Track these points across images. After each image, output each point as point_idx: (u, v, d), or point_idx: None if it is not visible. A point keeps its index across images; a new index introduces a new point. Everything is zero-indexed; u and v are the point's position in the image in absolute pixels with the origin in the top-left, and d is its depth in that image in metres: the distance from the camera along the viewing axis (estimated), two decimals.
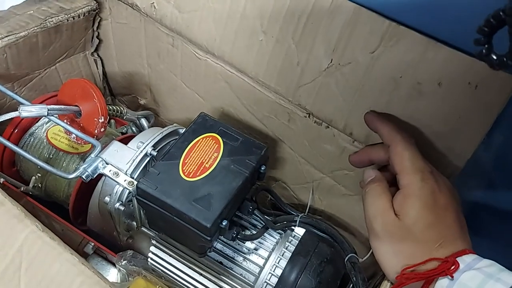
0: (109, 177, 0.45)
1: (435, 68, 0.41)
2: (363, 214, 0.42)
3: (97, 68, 0.70)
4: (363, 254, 0.46)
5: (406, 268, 0.37)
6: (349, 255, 0.47)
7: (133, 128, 0.61)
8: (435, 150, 0.43)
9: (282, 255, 0.46)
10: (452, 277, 0.34)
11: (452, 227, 0.38)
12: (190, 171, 0.43)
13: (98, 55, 0.69)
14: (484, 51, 0.29)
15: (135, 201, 0.45)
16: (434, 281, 0.35)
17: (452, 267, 0.34)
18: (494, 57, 0.29)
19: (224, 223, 0.40)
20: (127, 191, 0.46)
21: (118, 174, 0.45)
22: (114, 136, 0.57)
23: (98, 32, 0.66)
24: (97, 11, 0.62)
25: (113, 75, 0.71)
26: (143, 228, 0.49)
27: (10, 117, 0.51)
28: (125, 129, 0.61)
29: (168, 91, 0.65)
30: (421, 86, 0.42)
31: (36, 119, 0.57)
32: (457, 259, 0.35)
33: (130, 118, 0.59)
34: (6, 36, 0.54)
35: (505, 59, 0.28)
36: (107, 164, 0.46)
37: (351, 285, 0.46)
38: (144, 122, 0.59)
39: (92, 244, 0.54)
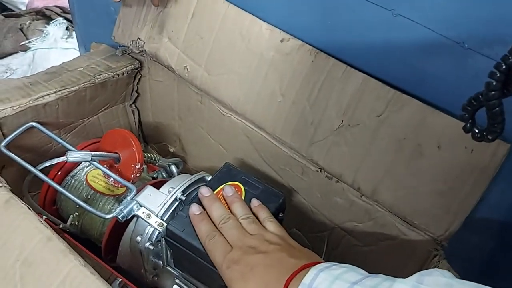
0: (142, 218, 0.50)
1: (435, 133, 0.46)
2: (373, 263, 0.45)
3: (134, 118, 0.77)
4: None
5: None
6: None
7: (164, 174, 0.66)
8: (434, 207, 0.47)
9: None
10: None
11: (269, 270, 0.40)
12: None
13: (135, 106, 0.77)
14: (468, 125, 0.34)
15: (163, 241, 0.50)
16: None
17: None
18: (476, 130, 0.34)
19: None
20: (157, 231, 0.50)
21: (150, 216, 0.50)
22: (146, 181, 0.62)
23: (138, 87, 0.74)
24: (138, 69, 0.71)
25: (148, 124, 0.79)
26: (168, 267, 0.53)
27: (58, 161, 0.58)
28: (156, 174, 0.66)
29: (195, 141, 0.72)
30: (422, 148, 0.47)
31: (78, 163, 0.63)
32: (293, 286, 0.37)
33: (161, 164, 0.65)
34: (60, 90, 0.62)
35: (484, 133, 0.33)
36: (140, 206, 0.51)
37: None
38: (173, 168, 0.65)
39: (119, 280, 0.58)
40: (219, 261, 0.42)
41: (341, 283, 0.35)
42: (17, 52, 1.41)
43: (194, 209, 0.47)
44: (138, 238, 0.51)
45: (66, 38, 1.43)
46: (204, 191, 0.49)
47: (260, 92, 0.57)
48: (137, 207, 0.51)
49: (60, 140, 0.59)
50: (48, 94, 0.60)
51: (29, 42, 1.43)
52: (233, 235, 0.44)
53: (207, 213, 0.48)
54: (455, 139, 0.45)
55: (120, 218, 0.50)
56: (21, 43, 1.41)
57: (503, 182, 0.45)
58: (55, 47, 1.40)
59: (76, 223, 0.61)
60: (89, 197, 0.61)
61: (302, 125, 0.54)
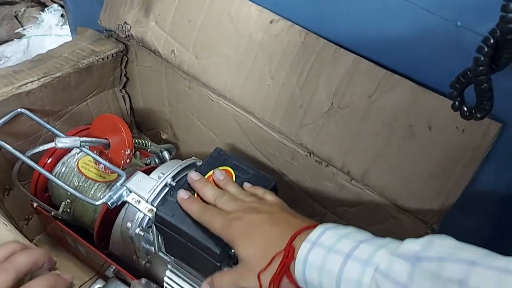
0: (131, 204, 0.50)
1: (426, 113, 0.45)
2: None
3: (125, 104, 0.76)
4: None
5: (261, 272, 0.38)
6: None
7: (156, 160, 0.65)
8: (426, 189, 0.47)
9: None
10: (293, 259, 0.36)
11: (272, 227, 0.40)
12: None
13: (126, 91, 0.75)
14: (456, 103, 0.33)
15: (154, 227, 0.49)
16: (291, 271, 0.37)
17: (289, 253, 0.36)
18: (465, 108, 0.33)
19: (232, 251, 0.43)
20: (147, 217, 0.50)
21: (140, 202, 0.50)
22: (138, 167, 0.62)
23: (126, 71, 0.72)
24: (124, 52, 0.69)
25: (139, 111, 0.78)
26: (160, 253, 0.52)
27: (46, 148, 0.58)
28: (149, 160, 0.66)
29: (186, 127, 0.71)
30: (413, 128, 0.46)
31: (68, 150, 0.62)
32: (297, 242, 0.37)
33: (153, 150, 0.64)
34: (43, 77, 0.60)
35: (473, 111, 0.32)
36: (130, 192, 0.51)
37: None
38: (166, 154, 0.64)
39: (113, 267, 0.58)
40: (219, 225, 0.42)
41: (347, 241, 0.35)
42: (11, 40, 1.40)
43: (182, 194, 0.47)
44: (129, 224, 0.51)
45: (61, 25, 1.42)
46: (194, 175, 0.49)
47: (249, 75, 0.56)
48: (127, 193, 0.51)
49: (48, 126, 0.59)
50: (30, 82, 0.59)
51: (24, 29, 1.41)
52: (231, 205, 0.44)
53: (200, 196, 0.47)
54: (446, 120, 0.44)
55: (109, 204, 0.50)
56: (15, 31, 1.39)
57: (494, 163, 0.44)
58: (50, 34, 1.40)
59: (68, 210, 0.61)
60: (80, 183, 0.60)
61: (291, 109, 0.53)
